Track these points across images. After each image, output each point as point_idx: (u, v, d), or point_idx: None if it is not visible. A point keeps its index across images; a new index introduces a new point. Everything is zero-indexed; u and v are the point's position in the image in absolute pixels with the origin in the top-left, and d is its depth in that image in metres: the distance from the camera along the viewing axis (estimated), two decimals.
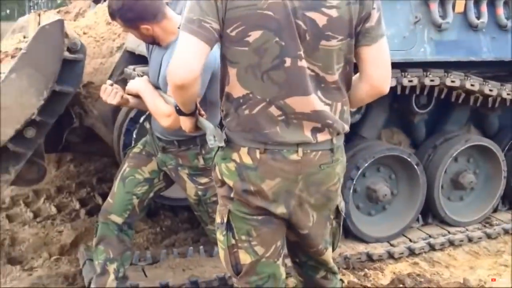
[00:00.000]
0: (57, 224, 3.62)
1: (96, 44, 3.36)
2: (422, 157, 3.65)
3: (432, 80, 3.25)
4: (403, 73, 3.18)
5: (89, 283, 2.68)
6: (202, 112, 1.82)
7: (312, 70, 1.57)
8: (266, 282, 1.71)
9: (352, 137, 3.55)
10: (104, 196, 4.00)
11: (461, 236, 3.62)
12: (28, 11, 38.20)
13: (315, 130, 1.60)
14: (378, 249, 3.41)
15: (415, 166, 3.47)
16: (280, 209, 1.64)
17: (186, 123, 1.79)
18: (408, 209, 3.56)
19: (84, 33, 3.44)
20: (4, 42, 4.30)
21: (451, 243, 3.57)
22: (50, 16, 3.06)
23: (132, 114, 2.98)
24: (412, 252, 3.43)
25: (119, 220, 2.40)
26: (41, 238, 3.43)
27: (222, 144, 1.69)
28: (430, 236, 3.58)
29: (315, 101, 1.58)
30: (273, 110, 1.57)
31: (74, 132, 3.23)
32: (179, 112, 1.73)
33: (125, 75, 2.88)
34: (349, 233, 3.47)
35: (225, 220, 1.69)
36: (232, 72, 1.58)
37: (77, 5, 4.56)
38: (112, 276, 2.41)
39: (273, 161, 1.59)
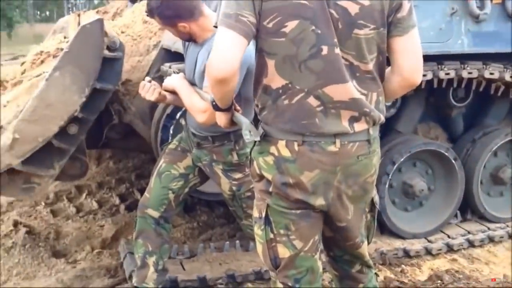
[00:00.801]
0: (98, 218, 3.73)
1: (133, 43, 3.43)
2: (460, 152, 3.59)
3: (470, 73, 3.19)
4: (439, 66, 3.14)
5: (130, 275, 2.77)
6: (238, 108, 1.84)
7: (346, 59, 1.58)
8: (304, 276, 1.72)
9: (387, 132, 3.53)
10: (143, 192, 4.07)
11: (501, 233, 3.55)
12: (67, 13, 39.23)
13: (352, 120, 1.61)
14: (416, 245, 3.37)
15: (453, 161, 3.42)
16: (319, 201, 1.65)
17: (222, 119, 1.82)
18: (445, 205, 3.51)
19: (122, 32, 3.53)
20: (46, 43, 4.45)
21: (491, 239, 3.51)
22: (90, 16, 3.14)
23: (168, 111, 3.03)
24: (450, 249, 3.39)
25: (155, 214, 2.46)
26: (84, 232, 3.54)
27: (258, 138, 1.70)
28: (469, 233, 3.52)
29: (352, 89, 1.58)
30: (312, 100, 1.58)
31: (113, 129, 3.28)
32: (216, 107, 1.76)
33: (162, 73, 2.93)
34: (385, 229, 3.45)
35: (264, 215, 1.70)
36: (270, 63, 1.59)
37: (114, 5, 4.67)
38: (152, 269, 2.48)
39: (311, 153, 1.59)
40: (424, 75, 3.07)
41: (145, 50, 3.31)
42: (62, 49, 3.88)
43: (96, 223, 3.68)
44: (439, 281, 2.97)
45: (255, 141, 1.71)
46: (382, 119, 1.69)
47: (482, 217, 3.67)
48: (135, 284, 2.52)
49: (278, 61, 1.58)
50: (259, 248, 1.77)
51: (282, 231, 1.69)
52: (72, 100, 2.46)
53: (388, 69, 1.69)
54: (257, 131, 1.73)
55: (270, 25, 1.55)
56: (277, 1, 1.53)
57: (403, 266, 3.21)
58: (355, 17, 1.55)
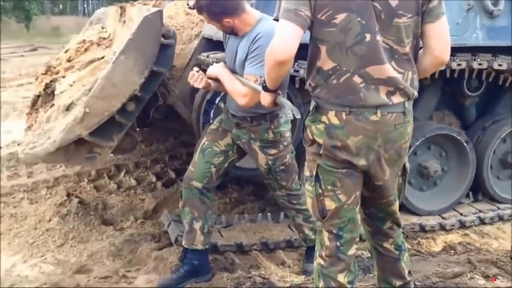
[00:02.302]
0: (139, 193, 4.05)
1: (177, 32, 3.73)
2: (472, 138, 3.85)
3: (480, 64, 3.43)
4: (452, 57, 3.37)
5: (176, 239, 3.10)
6: (280, 92, 2.16)
7: (387, 44, 1.88)
8: (346, 225, 2.03)
9: None
10: (176, 171, 4.44)
11: (510, 212, 3.83)
12: (80, 6, 39.56)
13: (389, 93, 1.91)
14: (431, 221, 3.66)
15: (465, 144, 3.69)
16: (362, 162, 1.94)
17: (267, 99, 2.13)
18: (458, 185, 3.79)
19: (169, 22, 3.83)
20: (85, 33, 4.77)
21: (501, 218, 3.79)
22: (143, 8, 3.39)
23: (208, 96, 3.28)
24: (463, 225, 3.67)
25: (199, 185, 2.76)
26: (127, 204, 3.86)
27: (299, 116, 2.05)
28: (480, 211, 3.80)
29: (389, 69, 1.89)
30: (356, 78, 1.89)
31: (158, 110, 3.46)
32: (265, 88, 2.08)
33: (199, 61, 3.23)
34: (402, 207, 3.74)
35: (314, 173, 2.00)
36: (322, 49, 1.90)
37: None
38: (198, 233, 2.79)
39: (356, 121, 1.90)
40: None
41: (188, 39, 3.57)
42: (104, 38, 4.21)
43: (137, 197, 4.00)
44: (452, 251, 3.27)
45: (308, 111, 2.02)
46: (416, 94, 1.99)
47: (493, 199, 3.94)
48: (185, 246, 2.82)
49: (329, 47, 1.89)
50: (309, 201, 2.08)
51: (329, 187, 1.99)
52: (133, 80, 2.74)
53: (420, 51, 2.01)
54: (297, 110, 2.05)
55: (323, 17, 1.86)
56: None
57: (419, 239, 3.51)
58: (395, 8, 1.86)
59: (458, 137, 3.69)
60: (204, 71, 2.72)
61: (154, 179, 4.32)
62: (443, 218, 3.73)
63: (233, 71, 2.59)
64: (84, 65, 3.50)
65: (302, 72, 2.96)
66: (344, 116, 1.91)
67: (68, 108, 2.89)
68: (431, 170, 3.71)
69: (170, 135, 5.10)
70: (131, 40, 2.69)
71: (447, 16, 3.25)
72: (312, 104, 2.00)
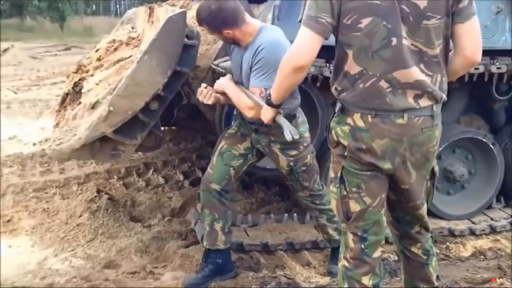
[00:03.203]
0: (166, 191, 4.12)
1: (202, 33, 3.77)
2: (501, 143, 3.76)
3: (498, 68, 3.33)
4: (491, 61, 3.32)
5: (202, 237, 3.13)
6: (281, 111, 2.17)
7: (416, 46, 1.85)
8: (371, 227, 2.02)
9: None
10: (203, 170, 4.44)
11: None
12: (113, 7, 40.28)
13: (416, 97, 1.88)
14: (460, 225, 3.59)
15: (491, 146, 3.60)
16: (387, 165, 1.92)
17: (268, 114, 2.14)
18: (487, 187, 3.70)
19: (194, 23, 3.88)
20: (116, 33, 4.87)
21: None
22: (168, 9, 3.44)
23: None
24: (493, 230, 3.58)
25: (218, 187, 2.78)
26: (155, 202, 3.93)
27: (297, 136, 2.06)
28: (511, 216, 3.72)
29: (416, 72, 1.86)
30: (383, 83, 1.87)
31: (182, 109, 3.51)
32: (269, 102, 2.08)
33: (212, 69, 3.22)
34: (430, 212, 3.66)
35: (339, 175, 1.99)
36: (349, 53, 1.89)
37: None
38: (220, 233, 2.82)
39: (382, 124, 1.88)
40: (476, 68, 3.28)
41: (213, 40, 3.58)
42: (133, 38, 4.28)
43: (164, 195, 4.07)
44: (482, 257, 3.22)
45: (334, 113, 2.02)
46: (444, 97, 1.95)
47: None
48: (207, 247, 2.85)
49: (355, 52, 1.87)
50: (333, 203, 2.07)
51: (354, 189, 1.98)
52: (157, 80, 2.77)
53: (450, 53, 1.98)
54: (296, 131, 2.06)
55: (349, 22, 1.85)
56: (353, 2, 1.83)
57: (448, 243, 3.45)
58: (423, 10, 1.83)
59: (484, 140, 3.61)
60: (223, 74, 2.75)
61: (181, 177, 4.37)
62: (473, 222, 3.65)
63: (240, 82, 2.62)
64: (112, 64, 3.57)
65: (313, 70, 2.96)
66: (369, 119, 1.90)
67: (93, 106, 2.96)
68: (457, 174, 3.65)
69: (197, 135, 5.15)
70: (154, 40, 2.73)
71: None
72: (338, 105, 2.00)
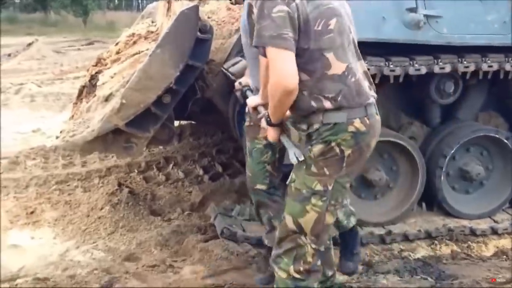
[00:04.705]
0: (186, 186, 4.15)
1: (218, 27, 3.73)
2: None
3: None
4: (506, 58, 3.27)
5: (222, 232, 3.16)
6: (286, 127, 2.16)
7: (356, 41, 2.11)
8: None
9: (447, 118, 3.69)
10: (223, 165, 4.50)
11: None
12: (134, 2, 40.52)
13: (368, 88, 2.09)
14: (482, 224, 3.53)
15: (505, 141, 3.53)
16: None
17: (273, 134, 2.15)
18: (506, 182, 3.64)
19: (208, 18, 3.84)
20: (136, 26, 4.90)
21: None
22: (184, 3, 3.47)
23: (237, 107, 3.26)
24: None
25: (264, 187, 2.68)
26: (175, 196, 3.97)
27: (302, 158, 2.04)
28: None
29: (363, 64, 2.13)
30: (358, 73, 2.03)
31: (196, 103, 3.50)
32: (270, 123, 2.11)
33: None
34: (449, 213, 3.62)
35: (330, 188, 2.04)
36: (330, 56, 1.96)
37: None
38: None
39: (375, 123, 2.07)
40: (490, 66, 3.26)
41: (228, 34, 3.58)
42: (152, 32, 4.30)
43: (184, 189, 4.10)
44: (504, 256, 3.17)
45: (332, 124, 2.01)
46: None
47: None
48: (269, 245, 2.74)
49: (335, 51, 1.97)
50: (312, 217, 2.06)
51: (333, 202, 2.09)
52: (169, 73, 2.78)
53: None
54: (300, 152, 2.06)
55: (320, 27, 1.95)
56: (318, 9, 1.93)
57: (469, 242, 3.40)
58: (348, 11, 2.09)
59: (497, 135, 3.55)
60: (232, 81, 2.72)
61: (201, 172, 4.40)
62: (495, 221, 3.60)
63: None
64: (129, 58, 3.59)
65: None
66: (367, 121, 2.03)
67: (107, 99, 3.00)
68: (473, 173, 3.59)
69: (218, 130, 5.16)
70: (167, 34, 2.75)
71: (495, 15, 3.18)
72: (319, 119, 2.00)
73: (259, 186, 2.70)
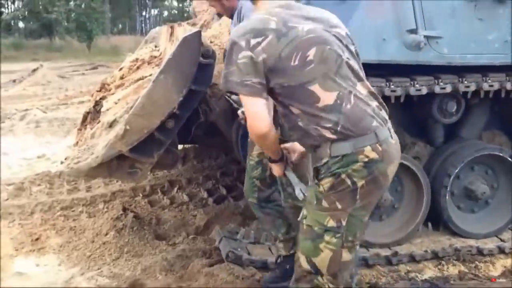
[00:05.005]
0: (190, 209, 4.15)
1: (220, 51, 3.74)
2: None
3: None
4: (507, 77, 3.28)
5: (227, 255, 3.14)
6: (290, 162, 2.15)
7: (358, 64, 2.01)
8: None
9: (451, 137, 3.69)
10: (227, 188, 4.51)
11: None
12: (138, 26, 41.08)
13: (378, 108, 1.98)
14: (489, 244, 3.50)
15: (510, 159, 3.53)
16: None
17: (277, 169, 2.16)
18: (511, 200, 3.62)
19: (211, 42, 3.90)
20: (139, 51, 4.95)
21: None
22: (186, 29, 3.49)
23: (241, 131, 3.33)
24: None
25: (254, 200, 2.83)
26: (179, 220, 3.96)
27: (308, 194, 2.02)
28: None
29: (368, 85, 2.00)
30: (359, 94, 1.93)
31: (200, 127, 3.54)
32: (271, 160, 2.11)
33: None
34: (455, 233, 3.60)
35: (344, 223, 1.92)
36: (315, 88, 1.87)
37: (202, 18, 5.11)
38: (276, 242, 2.89)
39: (388, 148, 1.93)
40: (491, 85, 3.26)
41: None
42: (155, 57, 4.35)
43: (189, 213, 4.10)
44: None
45: (341, 156, 1.91)
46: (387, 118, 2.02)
47: None
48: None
49: (321, 82, 1.87)
50: (327, 255, 1.94)
51: (350, 238, 1.95)
52: (172, 98, 2.78)
53: None
54: (305, 187, 2.04)
55: (297, 62, 1.87)
56: (290, 45, 1.86)
57: (476, 262, 3.36)
58: (346, 37, 2.01)
59: (501, 154, 3.54)
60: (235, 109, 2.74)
61: (205, 195, 4.41)
62: (502, 240, 3.57)
63: None
64: (133, 83, 3.62)
65: None
66: (379, 148, 1.90)
67: (111, 125, 3.00)
68: (478, 192, 3.58)
69: (221, 152, 5.18)
70: (170, 60, 2.76)
71: (496, 34, 3.19)
72: (326, 149, 1.91)
73: (251, 199, 2.86)
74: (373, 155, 1.88)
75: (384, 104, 2.02)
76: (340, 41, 1.95)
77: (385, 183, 1.95)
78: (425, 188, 3.42)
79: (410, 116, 3.59)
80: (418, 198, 3.47)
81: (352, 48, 2.01)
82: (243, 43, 1.86)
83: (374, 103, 1.96)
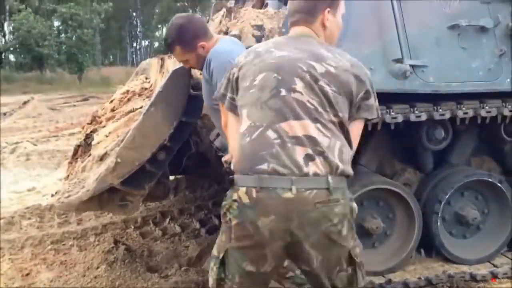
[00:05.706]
0: (183, 240, 4.13)
1: None
2: None
3: (511, 111, 3.34)
4: (481, 104, 3.30)
5: None
6: None
7: (312, 104, 1.80)
8: None
9: (440, 163, 3.72)
10: (220, 218, 4.47)
11: None
12: (129, 57, 41.39)
13: (307, 158, 1.73)
14: (482, 270, 3.50)
15: (499, 184, 3.56)
16: (276, 244, 1.77)
17: None
18: (503, 225, 3.63)
19: (200, 74, 3.97)
20: (130, 83, 4.98)
21: None
22: (176, 61, 3.55)
23: None
24: None
25: None
26: (171, 251, 3.94)
27: None
28: None
29: (309, 128, 1.76)
30: (270, 133, 1.77)
31: (191, 158, 3.54)
32: None
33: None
34: (448, 259, 3.59)
35: (221, 256, 1.87)
36: (244, 112, 1.88)
37: None
38: None
39: (268, 200, 1.72)
40: (465, 113, 3.27)
41: None
42: (145, 89, 4.39)
43: (181, 244, 4.07)
44: None
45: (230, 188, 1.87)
46: (346, 171, 1.79)
47: None
48: None
49: (249, 108, 1.86)
50: (210, 281, 1.95)
51: (230, 276, 1.87)
52: (163, 131, 2.81)
53: None
54: None
55: (247, 83, 1.89)
56: (254, 66, 1.88)
57: None
58: (319, 75, 1.82)
59: (490, 179, 3.57)
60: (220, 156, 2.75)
61: (198, 225, 4.39)
62: (494, 266, 3.57)
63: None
64: (124, 115, 3.64)
65: None
66: (254, 194, 1.73)
67: (102, 158, 3.02)
68: (469, 218, 3.59)
69: (213, 182, 5.17)
70: (160, 93, 2.79)
71: (479, 62, 3.24)
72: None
73: None
74: (245, 199, 1.75)
75: (330, 158, 1.76)
76: (309, 73, 1.81)
77: (256, 234, 1.75)
78: (416, 214, 3.43)
79: (400, 143, 3.64)
80: (409, 225, 3.48)
81: (326, 87, 1.81)
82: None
83: (300, 149, 1.74)
